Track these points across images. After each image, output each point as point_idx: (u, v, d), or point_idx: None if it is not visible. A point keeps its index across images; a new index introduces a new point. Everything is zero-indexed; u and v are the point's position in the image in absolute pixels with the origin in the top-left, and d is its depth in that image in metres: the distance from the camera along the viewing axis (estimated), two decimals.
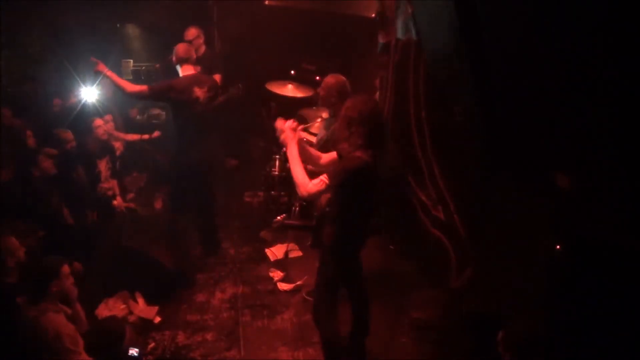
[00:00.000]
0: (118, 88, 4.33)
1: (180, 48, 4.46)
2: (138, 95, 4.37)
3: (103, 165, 5.14)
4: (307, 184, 2.91)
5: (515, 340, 2.76)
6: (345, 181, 2.83)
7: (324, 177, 2.91)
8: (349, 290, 3.26)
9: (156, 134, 6.13)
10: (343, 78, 3.92)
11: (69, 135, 4.72)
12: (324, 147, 4.11)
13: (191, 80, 4.38)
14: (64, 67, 6.33)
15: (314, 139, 5.07)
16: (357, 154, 2.85)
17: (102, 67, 4.31)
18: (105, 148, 5.28)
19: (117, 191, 5.27)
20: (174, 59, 4.46)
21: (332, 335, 3.17)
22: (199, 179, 4.65)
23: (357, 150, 2.86)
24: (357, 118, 2.86)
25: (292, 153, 3.05)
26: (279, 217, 4.09)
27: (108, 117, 5.72)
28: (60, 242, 3.87)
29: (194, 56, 4.49)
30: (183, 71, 4.43)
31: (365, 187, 2.90)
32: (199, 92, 4.36)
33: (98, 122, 5.22)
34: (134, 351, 2.77)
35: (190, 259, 4.75)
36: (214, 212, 4.98)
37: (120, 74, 6.53)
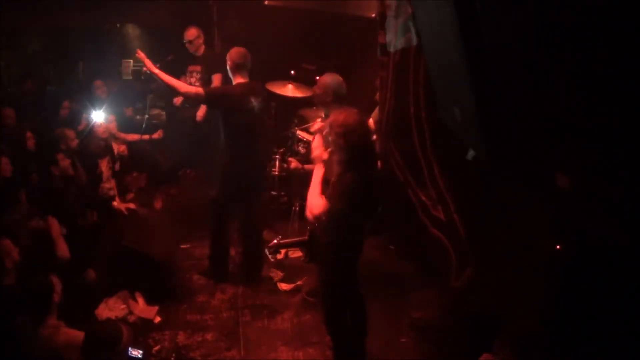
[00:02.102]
0: (170, 87, 4.04)
1: (237, 53, 4.10)
2: (193, 97, 4.16)
3: (104, 165, 5.14)
4: (315, 206, 2.93)
5: (513, 340, 2.77)
6: (348, 203, 2.87)
7: (324, 200, 2.93)
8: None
9: (157, 134, 6.14)
10: (339, 77, 3.92)
11: (71, 133, 4.74)
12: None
13: (247, 89, 4.11)
14: (64, 67, 6.35)
15: (310, 138, 5.08)
16: (349, 174, 2.88)
17: (149, 63, 3.99)
18: (106, 148, 5.28)
19: (116, 191, 5.27)
20: (228, 63, 4.11)
21: (345, 343, 3.21)
22: (246, 191, 4.36)
23: (348, 170, 2.90)
24: (342, 134, 2.89)
25: (317, 173, 3.08)
26: (275, 241, 4.02)
27: (111, 117, 5.72)
28: (72, 241, 3.91)
29: (250, 63, 4.16)
30: (238, 78, 4.11)
31: (359, 201, 2.93)
32: (254, 102, 4.11)
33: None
34: (137, 353, 2.77)
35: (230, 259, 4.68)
36: (260, 235, 4.67)
37: (120, 74, 6.58)
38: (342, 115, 2.96)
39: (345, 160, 2.90)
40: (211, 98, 4.09)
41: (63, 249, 3.81)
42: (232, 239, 4.69)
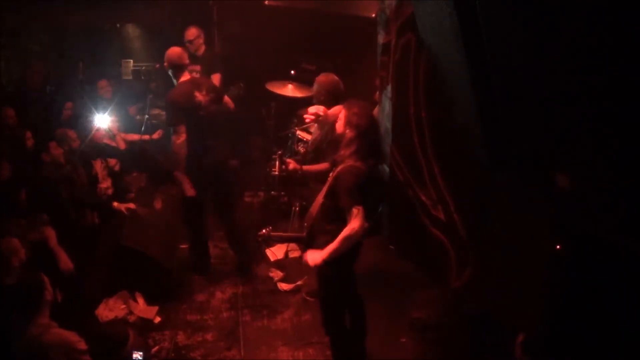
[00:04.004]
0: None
1: (174, 53, 4.20)
2: (175, 131, 4.13)
3: (98, 165, 5.14)
4: (356, 228, 2.81)
5: (535, 345, 2.77)
6: (359, 192, 2.84)
7: (355, 210, 2.83)
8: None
9: (157, 134, 6.13)
10: (335, 77, 3.93)
11: (73, 134, 4.74)
12: (317, 146, 4.12)
13: (189, 86, 4.18)
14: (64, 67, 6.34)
15: (310, 138, 5.08)
16: (355, 164, 2.88)
17: None
18: (97, 148, 5.28)
19: (113, 190, 5.26)
20: (166, 64, 4.23)
21: (344, 343, 3.22)
22: (214, 184, 4.44)
23: (356, 160, 2.88)
24: (360, 127, 2.88)
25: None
26: (264, 230, 3.86)
27: (113, 118, 5.71)
28: (66, 240, 3.89)
29: (187, 60, 4.28)
30: (179, 78, 4.22)
31: (362, 194, 2.92)
32: (199, 97, 4.18)
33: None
34: (138, 355, 2.77)
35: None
36: (238, 227, 4.72)
37: (120, 74, 6.57)
38: (361, 107, 2.98)
39: (353, 151, 2.92)
40: (173, 119, 4.15)
41: (65, 261, 3.74)
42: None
